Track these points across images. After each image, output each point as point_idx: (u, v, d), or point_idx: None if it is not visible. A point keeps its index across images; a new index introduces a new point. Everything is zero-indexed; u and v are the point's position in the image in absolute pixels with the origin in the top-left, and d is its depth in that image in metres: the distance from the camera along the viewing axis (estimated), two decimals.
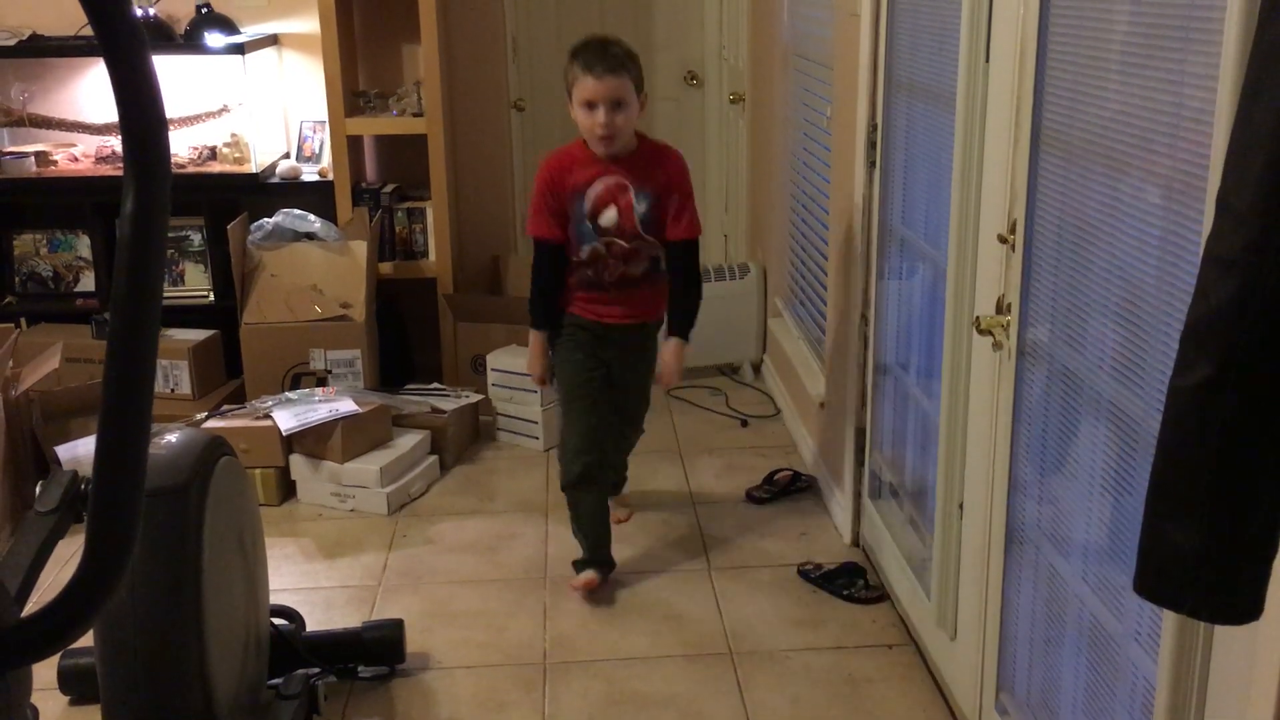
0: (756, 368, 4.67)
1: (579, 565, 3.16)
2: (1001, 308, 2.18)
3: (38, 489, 1.79)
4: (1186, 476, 1.09)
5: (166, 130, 1.07)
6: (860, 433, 3.23)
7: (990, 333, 2.20)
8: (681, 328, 3.05)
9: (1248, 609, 1.11)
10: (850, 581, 3.10)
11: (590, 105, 2.81)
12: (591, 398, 3.06)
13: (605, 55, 2.79)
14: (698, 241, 3.04)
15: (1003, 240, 2.16)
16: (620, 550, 3.25)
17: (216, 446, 2.33)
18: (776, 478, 3.73)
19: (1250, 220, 0.99)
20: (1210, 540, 1.08)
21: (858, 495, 3.29)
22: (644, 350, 3.14)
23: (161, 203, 1.05)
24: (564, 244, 2.97)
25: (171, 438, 2.29)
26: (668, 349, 3.06)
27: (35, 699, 2.60)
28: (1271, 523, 1.08)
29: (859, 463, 3.26)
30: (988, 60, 2.23)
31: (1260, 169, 0.98)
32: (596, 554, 3.16)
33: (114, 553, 1.09)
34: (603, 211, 2.91)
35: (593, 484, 3.10)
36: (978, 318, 2.23)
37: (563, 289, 3.03)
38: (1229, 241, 1.01)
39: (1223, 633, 1.48)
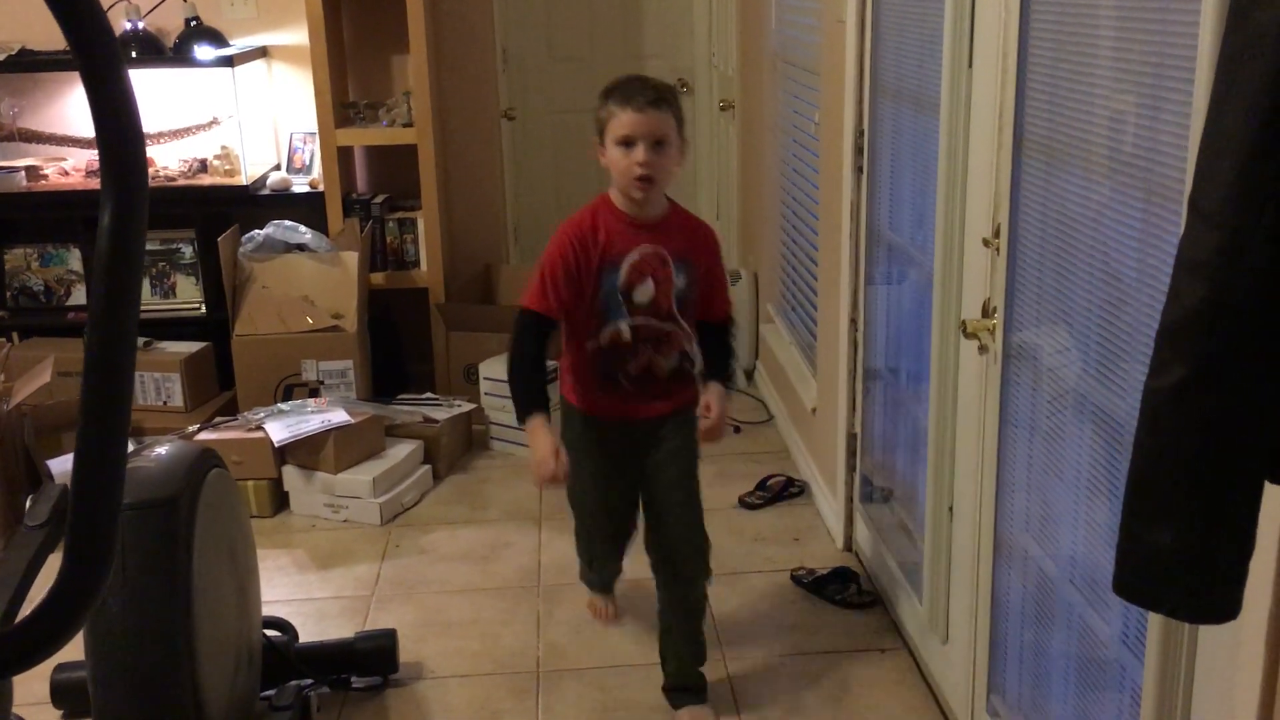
0: (749, 374, 4.67)
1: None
2: (987, 311, 2.19)
3: (28, 503, 1.80)
4: (1163, 477, 1.09)
5: (143, 145, 1.08)
6: (851, 438, 3.24)
7: (976, 336, 2.21)
8: (719, 372, 2.59)
9: (1225, 608, 1.11)
10: (843, 586, 3.11)
11: (628, 142, 2.39)
12: (612, 515, 2.72)
13: (646, 88, 2.41)
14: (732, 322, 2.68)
15: (987, 244, 2.17)
16: None
17: (207, 458, 2.34)
18: (769, 483, 3.73)
19: (1220, 223, 1.00)
20: (1187, 540, 1.09)
21: (850, 500, 3.30)
22: (683, 438, 2.62)
23: (138, 216, 1.06)
24: (556, 325, 2.51)
25: (161, 450, 2.30)
26: (708, 393, 2.55)
27: (29, 714, 2.60)
28: (1247, 522, 1.09)
29: (850, 468, 3.26)
30: (971, 66, 2.24)
31: (1229, 172, 0.98)
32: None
33: (92, 565, 1.09)
34: (638, 285, 2.48)
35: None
36: (964, 321, 2.24)
37: (553, 375, 2.62)
38: (1200, 244, 1.02)
39: (1206, 633, 1.48)
